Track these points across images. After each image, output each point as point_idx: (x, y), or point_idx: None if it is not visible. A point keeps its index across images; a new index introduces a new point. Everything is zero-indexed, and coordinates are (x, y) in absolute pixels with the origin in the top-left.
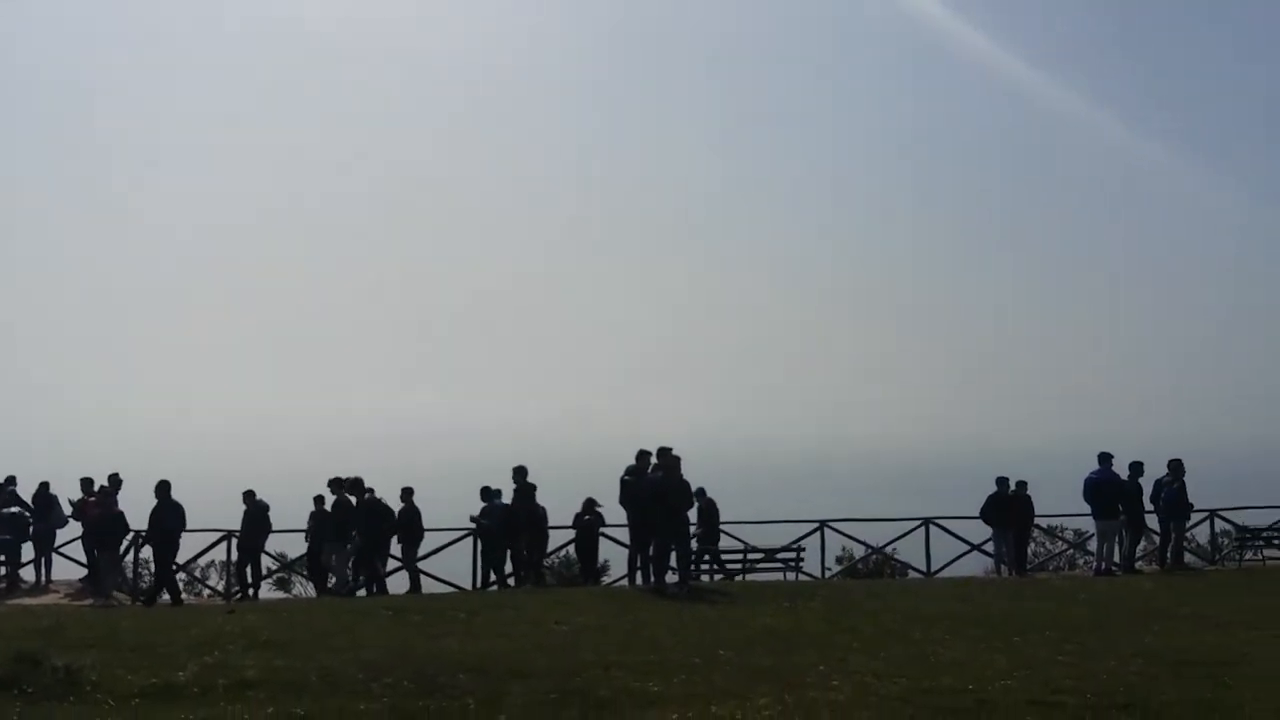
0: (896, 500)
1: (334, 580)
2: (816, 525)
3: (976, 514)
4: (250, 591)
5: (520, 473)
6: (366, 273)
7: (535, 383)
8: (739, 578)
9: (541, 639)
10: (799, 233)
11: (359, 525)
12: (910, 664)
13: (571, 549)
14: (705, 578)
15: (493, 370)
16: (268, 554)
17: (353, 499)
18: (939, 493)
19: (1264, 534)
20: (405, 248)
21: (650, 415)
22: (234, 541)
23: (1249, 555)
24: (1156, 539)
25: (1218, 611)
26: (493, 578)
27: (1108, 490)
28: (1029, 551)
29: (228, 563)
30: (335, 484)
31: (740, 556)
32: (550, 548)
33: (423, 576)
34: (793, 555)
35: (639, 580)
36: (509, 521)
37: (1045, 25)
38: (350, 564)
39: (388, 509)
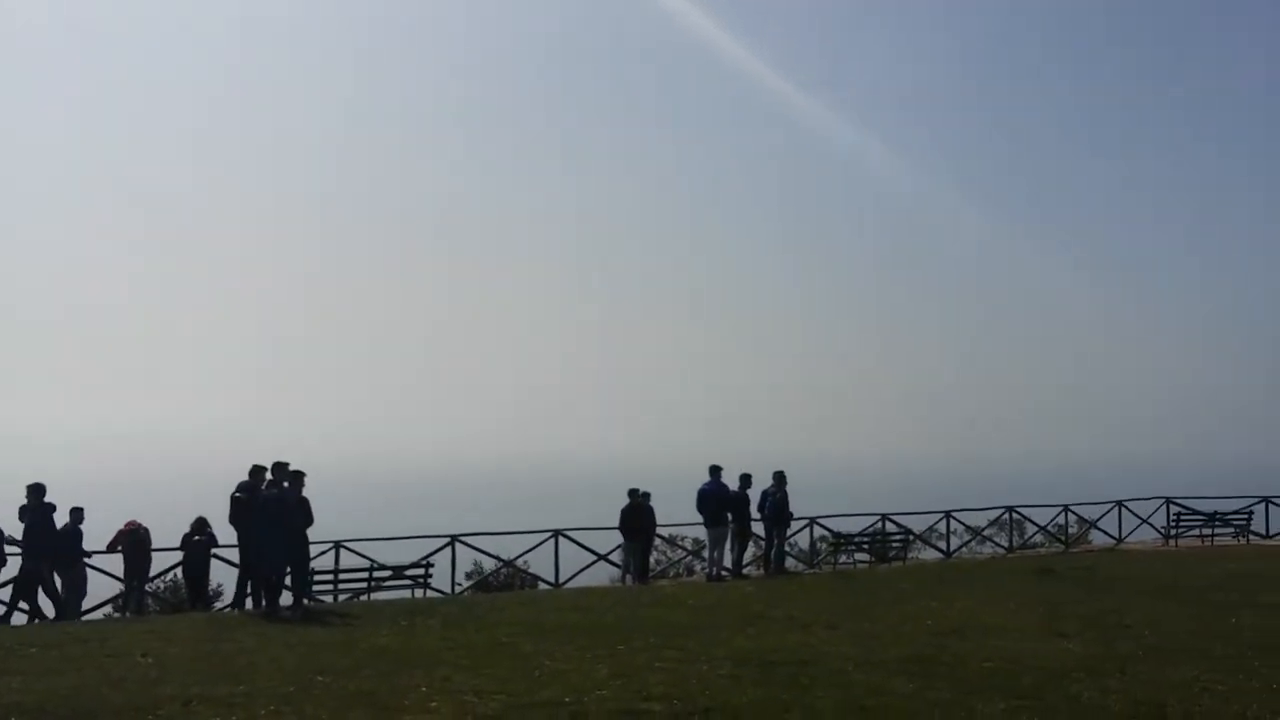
0: (533, 513)
1: None
2: (448, 540)
3: (605, 525)
4: None
5: (35, 492)
6: None
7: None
8: (364, 597)
9: (121, 673)
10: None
11: None
12: (515, 678)
13: (179, 572)
14: (328, 598)
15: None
16: None
17: None
18: (576, 506)
19: (855, 539)
20: None
21: (282, 427)
22: None
23: (843, 559)
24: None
25: (805, 612)
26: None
27: (716, 500)
28: (651, 560)
29: None
30: None
31: (365, 575)
32: (157, 570)
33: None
34: (421, 571)
35: (249, 605)
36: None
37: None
38: None
39: None
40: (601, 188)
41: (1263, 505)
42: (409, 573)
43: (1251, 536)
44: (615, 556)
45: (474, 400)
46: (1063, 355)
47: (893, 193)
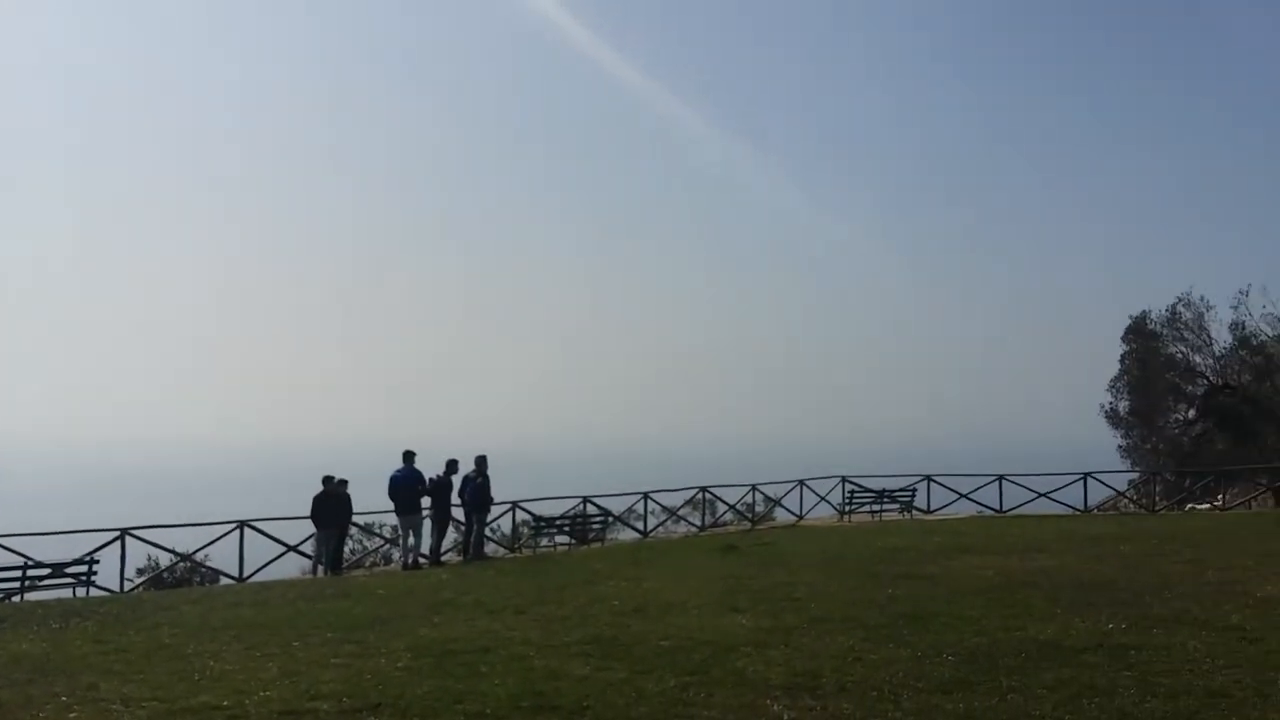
0: (221, 502)
1: None
2: (117, 534)
3: (299, 514)
4: None
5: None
6: None
7: None
8: (15, 599)
9: None
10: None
11: None
12: (172, 683)
13: None
14: None
15: None
16: None
17: None
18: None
19: (556, 522)
20: None
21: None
22: None
23: (544, 543)
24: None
25: (496, 598)
26: None
27: (406, 486)
28: (346, 550)
29: None
30: None
31: (18, 574)
32: None
33: None
34: (84, 569)
35: None
36: None
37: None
38: None
39: None
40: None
41: (925, 483)
42: (70, 570)
43: (915, 512)
44: (307, 547)
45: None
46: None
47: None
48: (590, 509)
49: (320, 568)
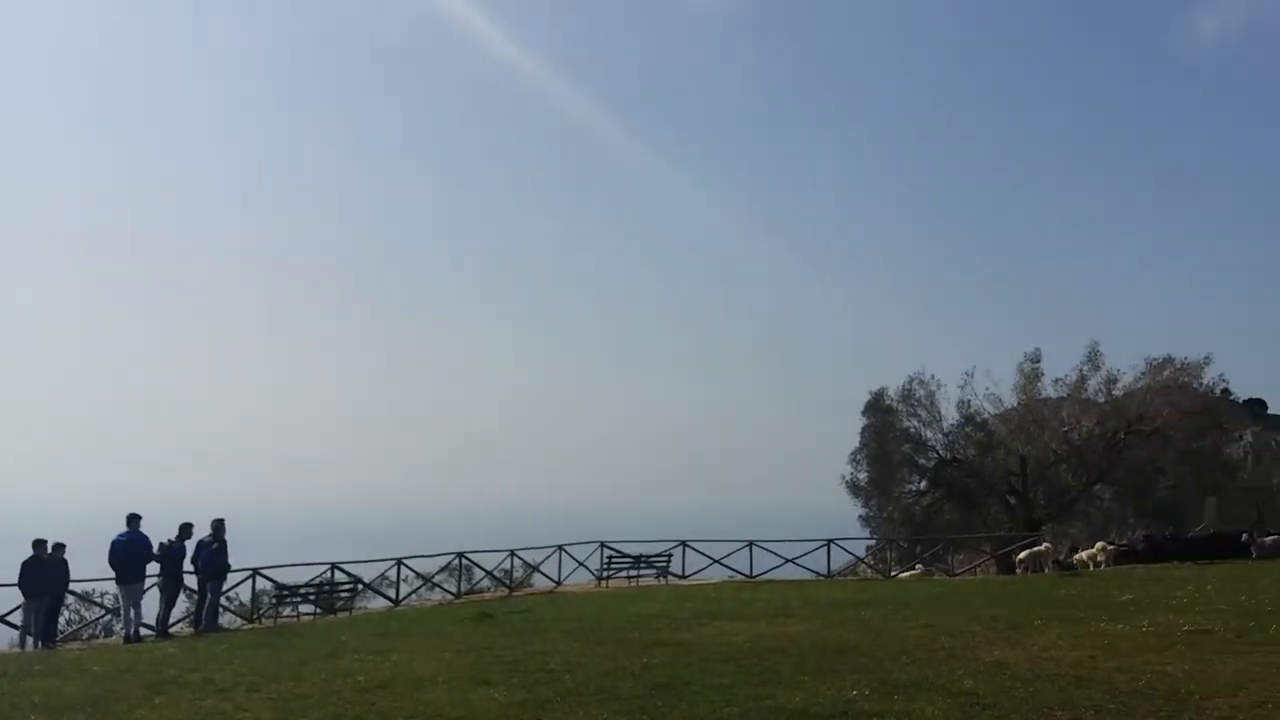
0: None
1: None
2: None
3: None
4: None
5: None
6: None
7: None
8: None
9: None
10: None
11: None
12: None
13: None
14: None
15: None
16: None
17: None
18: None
19: (300, 590)
20: None
21: None
22: None
23: (286, 612)
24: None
25: (228, 675)
26: None
27: (131, 552)
28: (61, 620)
29: None
30: None
31: None
32: None
33: None
34: None
35: None
36: None
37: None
38: None
39: None
40: None
41: (680, 548)
42: None
43: (670, 577)
44: (15, 617)
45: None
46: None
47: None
48: (339, 576)
49: (29, 640)
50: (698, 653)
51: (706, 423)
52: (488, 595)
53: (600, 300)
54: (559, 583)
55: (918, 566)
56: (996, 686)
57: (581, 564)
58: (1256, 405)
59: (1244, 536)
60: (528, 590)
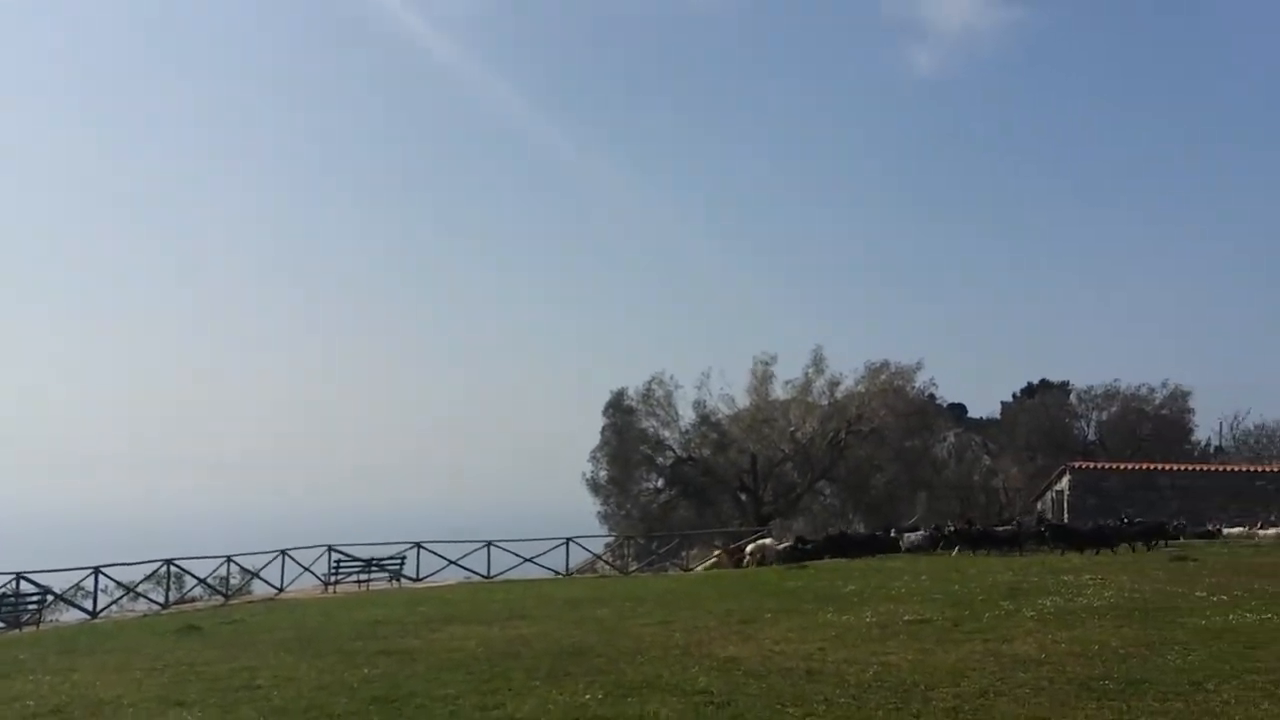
0: None
1: None
2: None
3: None
4: None
5: None
6: None
7: None
8: None
9: None
10: None
11: None
12: None
13: None
14: None
15: None
16: None
17: None
18: None
19: None
20: None
21: None
22: None
23: None
24: None
25: None
26: None
27: None
28: None
29: None
30: None
31: None
32: None
33: None
34: None
35: None
36: None
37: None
38: None
39: None
40: None
41: (415, 550)
42: None
43: (404, 580)
44: None
45: None
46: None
47: None
48: (26, 586)
49: None
50: (425, 661)
51: (447, 421)
52: (200, 605)
53: (317, 292)
54: (281, 589)
55: (668, 564)
56: (730, 683)
57: (307, 569)
58: (958, 409)
59: (891, 533)
60: (245, 599)
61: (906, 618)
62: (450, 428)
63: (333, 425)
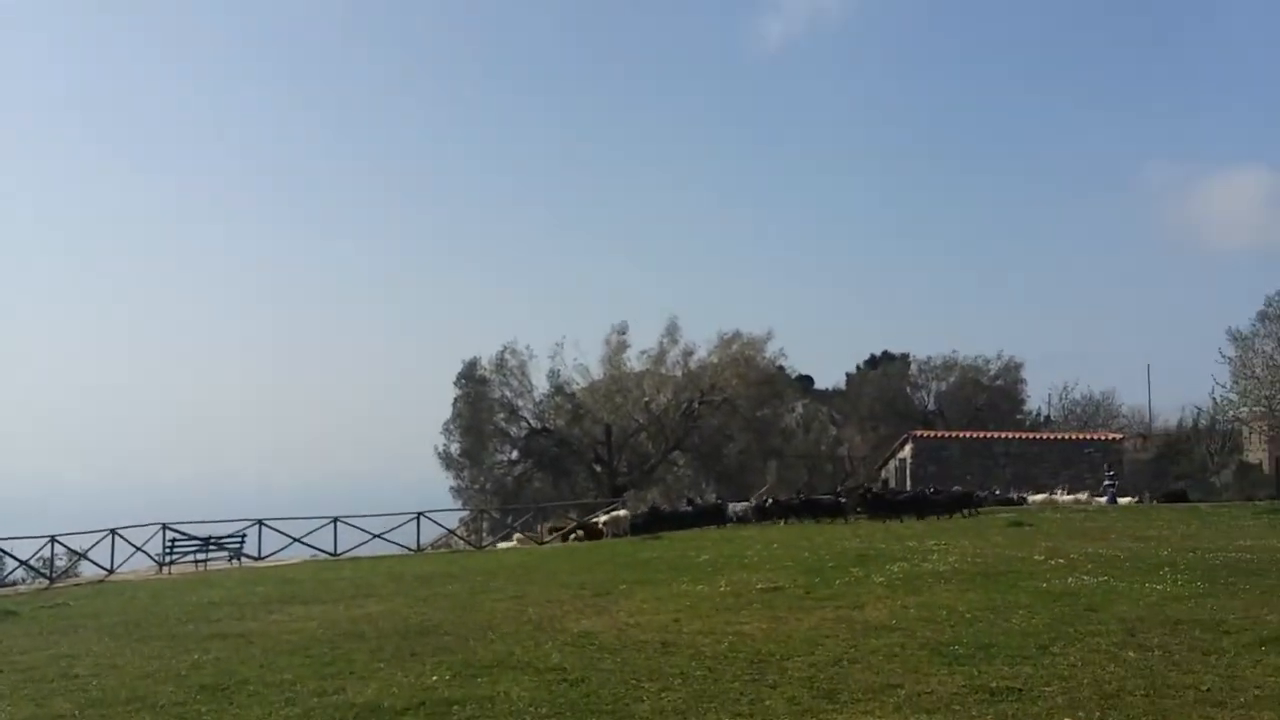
0: None
1: None
2: None
3: None
4: None
5: None
6: None
7: None
8: None
9: None
10: None
11: None
12: None
13: None
14: None
15: None
16: None
17: None
18: None
19: None
20: None
21: None
22: None
23: None
24: None
25: None
26: None
27: None
28: None
29: None
30: None
31: None
32: None
33: None
34: None
35: None
36: None
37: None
38: None
39: None
40: None
41: (257, 528)
42: None
43: (245, 559)
44: None
45: None
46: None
47: None
48: None
49: None
50: (261, 644)
51: (292, 392)
52: (21, 589)
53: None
54: (111, 571)
55: (514, 537)
56: (584, 659)
57: (139, 549)
58: (805, 380)
59: (723, 504)
60: (72, 581)
61: (760, 586)
62: (302, 402)
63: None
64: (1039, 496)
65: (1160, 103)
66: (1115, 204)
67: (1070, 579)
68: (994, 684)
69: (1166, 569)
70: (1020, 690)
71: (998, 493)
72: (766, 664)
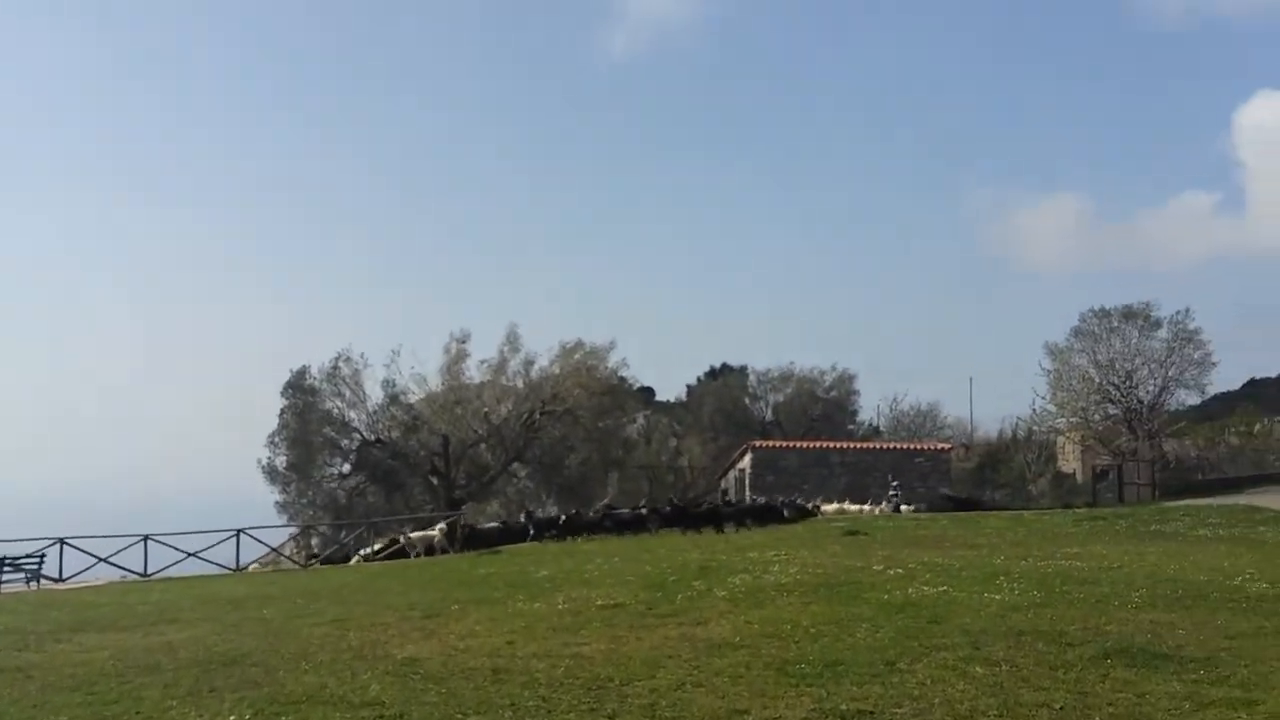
0: None
1: None
2: None
3: None
4: None
5: None
6: None
7: None
8: None
9: None
10: None
11: None
12: None
13: None
14: None
15: None
16: None
17: None
18: None
19: None
20: None
21: None
22: None
23: None
24: None
25: None
26: None
27: None
28: None
29: None
30: None
31: None
32: None
33: None
34: None
35: None
36: None
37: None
38: None
39: None
40: None
41: (58, 547)
42: None
43: (44, 581)
44: None
45: None
46: None
47: None
48: None
49: None
50: (41, 679)
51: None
52: None
53: None
54: None
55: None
56: (407, 691)
57: None
58: (647, 392)
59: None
60: None
61: (599, 603)
62: (119, 408)
63: None
64: (830, 507)
65: (982, 128)
66: (941, 224)
67: (910, 589)
68: (844, 706)
69: (1002, 577)
70: (871, 713)
71: (799, 502)
72: (605, 690)
